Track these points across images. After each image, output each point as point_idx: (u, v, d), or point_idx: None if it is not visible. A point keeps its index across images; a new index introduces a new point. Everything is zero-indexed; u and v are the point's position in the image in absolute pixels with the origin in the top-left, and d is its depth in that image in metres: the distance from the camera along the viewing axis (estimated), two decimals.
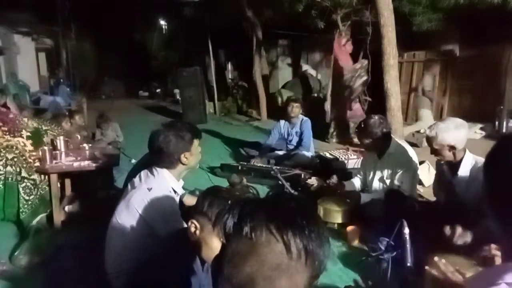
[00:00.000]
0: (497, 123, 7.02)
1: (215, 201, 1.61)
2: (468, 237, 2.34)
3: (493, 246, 1.95)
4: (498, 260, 1.86)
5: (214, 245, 1.56)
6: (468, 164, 2.75)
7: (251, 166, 5.07)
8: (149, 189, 2.16)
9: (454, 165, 2.81)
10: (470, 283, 0.89)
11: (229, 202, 1.42)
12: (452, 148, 2.72)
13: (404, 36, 7.10)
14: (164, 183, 2.23)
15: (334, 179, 3.73)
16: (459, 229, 2.36)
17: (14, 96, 8.94)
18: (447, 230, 2.40)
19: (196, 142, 2.33)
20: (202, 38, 12.09)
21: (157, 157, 2.28)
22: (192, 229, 1.64)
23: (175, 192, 2.29)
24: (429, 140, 2.79)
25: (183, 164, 2.29)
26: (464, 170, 2.75)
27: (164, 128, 2.30)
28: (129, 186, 2.36)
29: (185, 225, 2.00)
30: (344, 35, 8.57)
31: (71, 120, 5.56)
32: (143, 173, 2.33)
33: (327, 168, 4.76)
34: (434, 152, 2.80)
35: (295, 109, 5.38)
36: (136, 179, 2.33)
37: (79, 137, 5.24)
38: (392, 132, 3.65)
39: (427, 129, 2.84)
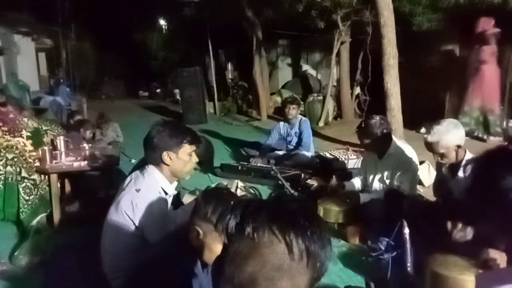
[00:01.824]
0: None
1: (219, 206, 1.53)
2: (468, 234, 2.34)
3: (491, 250, 1.96)
4: (498, 262, 1.86)
5: (217, 250, 1.50)
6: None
7: (251, 166, 5.07)
8: (138, 191, 2.13)
9: (455, 166, 2.80)
10: (481, 279, 0.89)
11: (231, 202, 1.42)
12: (458, 147, 2.72)
13: (404, 36, 7.10)
14: (154, 184, 2.18)
15: (333, 181, 3.72)
16: (459, 225, 2.36)
17: (7, 97, 8.90)
18: (449, 225, 2.40)
19: (186, 147, 2.23)
20: (202, 38, 12.09)
21: (146, 149, 2.26)
22: (194, 234, 1.58)
23: (166, 193, 2.23)
24: (432, 145, 2.75)
25: (165, 163, 2.19)
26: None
27: (163, 122, 2.28)
28: (121, 186, 2.34)
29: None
30: (344, 35, 8.56)
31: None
32: (134, 174, 2.30)
33: (327, 168, 4.76)
34: (441, 156, 2.78)
35: (292, 110, 5.37)
36: (127, 180, 2.30)
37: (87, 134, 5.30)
38: (392, 132, 3.65)
39: (426, 135, 2.81)
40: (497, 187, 0.83)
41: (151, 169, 2.23)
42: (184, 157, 2.23)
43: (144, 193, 2.12)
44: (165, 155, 2.18)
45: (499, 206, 0.83)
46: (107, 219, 2.20)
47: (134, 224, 2.09)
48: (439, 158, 2.80)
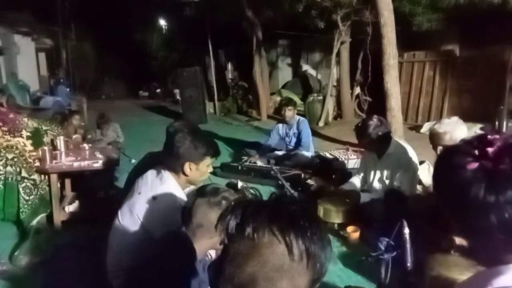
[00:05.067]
0: (497, 123, 7.02)
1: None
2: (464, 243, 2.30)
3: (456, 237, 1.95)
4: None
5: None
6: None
7: (251, 166, 5.07)
8: (154, 198, 2.12)
9: None
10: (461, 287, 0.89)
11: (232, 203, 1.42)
12: None
13: (404, 36, 7.11)
14: (169, 191, 2.17)
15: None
16: (457, 240, 2.31)
17: (9, 97, 8.90)
18: (444, 243, 2.36)
19: (207, 160, 2.23)
20: (202, 38, 12.09)
21: (167, 154, 2.23)
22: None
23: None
24: (439, 136, 2.74)
25: (184, 174, 2.18)
26: None
27: (188, 128, 2.25)
28: (135, 185, 2.31)
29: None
30: (344, 35, 8.59)
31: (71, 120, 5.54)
32: (150, 175, 2.27)
33: (327, 168, 4.76)
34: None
35: (288, 112, 5.35)
36: (144, 180, 2.27)
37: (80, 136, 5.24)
38: (392, 132, 3.65)
39: (434, 126, 2.82)
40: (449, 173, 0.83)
41: (167, 174, 2.20)
42: (203, 168, 2.23)
43: (160, 201, 2.11)
44: (187, 166, 2.16)
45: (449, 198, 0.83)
46: (118, 219, 2.20)
47: (145, 228, 2.10)
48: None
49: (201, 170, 2.21)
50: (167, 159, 2.22)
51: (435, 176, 0.89)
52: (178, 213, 2.03)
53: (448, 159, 0.82)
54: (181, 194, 2.22)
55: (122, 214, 2.20)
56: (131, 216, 2.14)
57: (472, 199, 0.76)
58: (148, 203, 2.12)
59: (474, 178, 0.76)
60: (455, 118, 2.81)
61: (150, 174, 2.28)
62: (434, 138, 2.81)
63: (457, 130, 2.72)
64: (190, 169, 2.17)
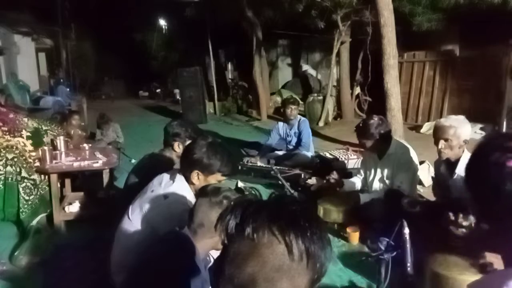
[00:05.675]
0: (497, 123, 7.02)
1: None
2: (471, 221, 2.28)
3: (488, 254, 1.95)
4: (496, 265, 1.86)
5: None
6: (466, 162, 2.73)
7: (251, 166, 5.06)
8: (165, 197, 2.14)
9: (452, 164, 2.80)
10: None
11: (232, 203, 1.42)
12: (465, 143, 2.73)
13: (404, 36, 7.11)
14: (180, 193, 2.18)
15: (334, 174, 3.71)
16: (461, 216, 2.31)
17: (7, 96, 8.91)
18: (450, 216, 2.36)
19: (218, 176, 2.22)
20: (202, 38, 12.10)
21: (182, 158, 2.26)
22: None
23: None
24: (444, 129, 2.74)
25: (191, 181, 2.19)
26: (462, 169, 2.74)
27: (211, 139, 2.25)
28: (151, 184, 2.32)
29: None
30: (344, 35, 8.59)
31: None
32: (165, 176, 2.28)
33: (327, 168, 4.76)
34: (445, 143, 2.74)
35: (294, 111, 5.34)
36: (159, 180, 2.28)
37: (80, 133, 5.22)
38: (392, 132, 3.64)
39: (440, 120, 2.84)
40: (486, 169, 0.80)
41: (180, 177, 2.22)
42: (212, 181, 2.21)
43: (170, 200, 2.12)
44: (195, 174, 2.17)
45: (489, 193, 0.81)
46: (128, 215, 2.22)
47: (152, 226, 2.11)
48: (443, 146, 2.75)
49: (209, 182, 2.18)
50: (182, 162, 2.25)
51: (469, 170, 0.86)
52: (186, 214, 2.03)
53: (485, 154, 0.79)
54: (191, 196, 2.22)
55: (132, 210, 2.22)
56: (140, 212, 2.16)
57: (505, 197, 0.73)
58: (158, 201, 2.14)
59: (511, 176, 0.74)
60: (461, 117, 2.84)
61: (165, 175, 2.30)
62: (438, 131, 2.80)
63: (462, 127, 2.72)
64: (198, 178, 2.18)
